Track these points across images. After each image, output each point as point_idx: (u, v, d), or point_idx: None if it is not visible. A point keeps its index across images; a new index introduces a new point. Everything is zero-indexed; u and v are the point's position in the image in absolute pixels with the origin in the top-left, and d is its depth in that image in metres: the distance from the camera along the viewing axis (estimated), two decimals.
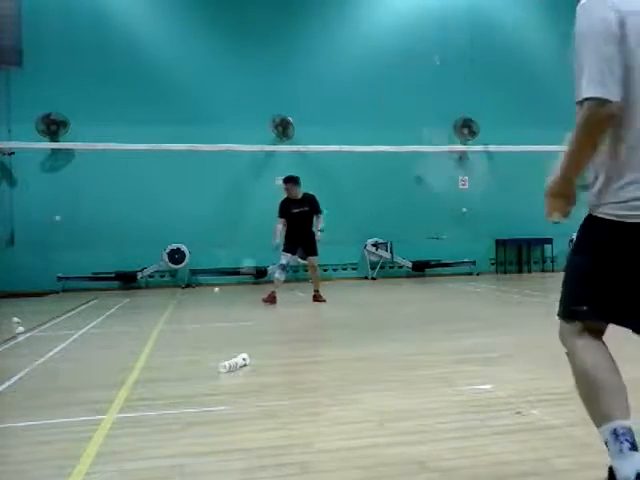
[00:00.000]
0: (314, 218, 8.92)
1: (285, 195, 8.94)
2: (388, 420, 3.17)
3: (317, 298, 9.01)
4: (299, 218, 8.80)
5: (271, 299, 8.80)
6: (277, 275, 8.94)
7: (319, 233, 8.86)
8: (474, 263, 13.65)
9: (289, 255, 8.94)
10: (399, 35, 13.55)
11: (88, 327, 7.04)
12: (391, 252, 13.29)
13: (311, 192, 9.06)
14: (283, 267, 8.91)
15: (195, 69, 12.78)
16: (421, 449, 2.73)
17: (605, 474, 2.00)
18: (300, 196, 8.89)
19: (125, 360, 4.98)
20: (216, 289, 9.21)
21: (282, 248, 8.91)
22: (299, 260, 11.10)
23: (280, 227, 8.86)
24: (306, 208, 8.84)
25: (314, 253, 8.98)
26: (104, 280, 12.09)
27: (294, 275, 12.53)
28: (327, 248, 9.73)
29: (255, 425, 3.16)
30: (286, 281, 9.40)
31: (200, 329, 6.82)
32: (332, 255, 12.27)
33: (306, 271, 12.41)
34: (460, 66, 13.76)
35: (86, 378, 4.42)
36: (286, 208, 8.85)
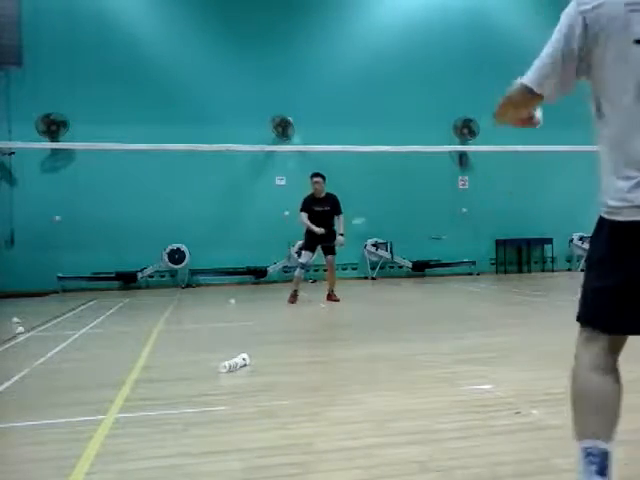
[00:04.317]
0: (335, 219, 8.93)
1: (311, 191, 8.91)
2: (388, 420, 3.17)
3: (331, 297, 9.02)
4: (321, 217, 8.80)
5: (292, 298, 8.83)
6: (297, 273, 8.99)
7: (341, 237, 8.85)
8: (474, 263, 13.66)
9: (310, 254, 8.96)
10: (399, 35, 13.56)
11: (88, 327, 7.03)
12: (391, 252, 13.29)
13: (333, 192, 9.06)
14: (303, 265, 8.96)
15: (195, 69, 12.78)
16: (421, 449, 2.72)
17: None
18: (323, 195, 8.91)
19: (125, 360, 4.98)
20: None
21: (302, 246, 8.95)
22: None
23: (306, 218, 8.75)
24: (327, 207, 8.85)
25: (333, 252, 9.00)
26: (104, 280, 12.09)
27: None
28: None
29: (255, 425, 3.15)
30: (286, 281, 9.41)
31: (200, 329, 6.82)
32: None
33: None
34: (460, 66, 13.76)
35: (86, 378, 4.41)
36: (309, 206, 8.85)
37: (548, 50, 1.85)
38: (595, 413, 1.85)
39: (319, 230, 8.66)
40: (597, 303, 1.85)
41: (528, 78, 1.88)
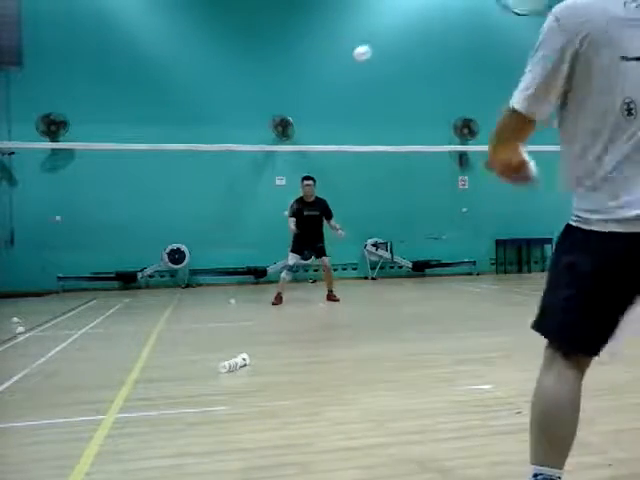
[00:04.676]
0: (325, 222, 8.94)
1: (300, 195, 8.93)
2: (388, 420, 3.17)
3: (331, 297, 9.04)
4: (310, 221, 8.81)
5: (277, 300, 8.81)
6: (283, 275, 8.98)
7: (340, 231, 8.84)
8: (474, 263, 13.65)
9: (297, 256, 8.99)
10: (399, 35, 13.55)
11: (88, 327, 7.03)
12: (391, 252, 13.28)
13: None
14: (290, 268, 8.98)
15: (195, 69, 12.78)
16: (421, 449, 2.73)
17: (605, 474, 1.99)
18: (313, 199, 8.91)
19: (125, 360, 4.98)
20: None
21: (290, 249, 8.95)
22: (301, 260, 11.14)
23: (293, 225, 8.74)
24: (317, 212, 8.87)
25: (324, 254, 9.03)
26: (104, 280, 12.09)
27: (293, 275, 12.52)
28: (327, 248, 9.73)
29: (255, 425, 3.16)
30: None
31: (200, 329, 6.82)
32: (332, 255, 12.21)
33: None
34: (460, 66, 13.75)
35: (86, 378, 4.42)
36: (298, 210, 8.85)
37: (535, 69, 1.77)
38: (554, 440, 1.81)
39: (293, 229, 8.65)
40: (565, 314, 1.80)
41: (517, 102, 1.79)
